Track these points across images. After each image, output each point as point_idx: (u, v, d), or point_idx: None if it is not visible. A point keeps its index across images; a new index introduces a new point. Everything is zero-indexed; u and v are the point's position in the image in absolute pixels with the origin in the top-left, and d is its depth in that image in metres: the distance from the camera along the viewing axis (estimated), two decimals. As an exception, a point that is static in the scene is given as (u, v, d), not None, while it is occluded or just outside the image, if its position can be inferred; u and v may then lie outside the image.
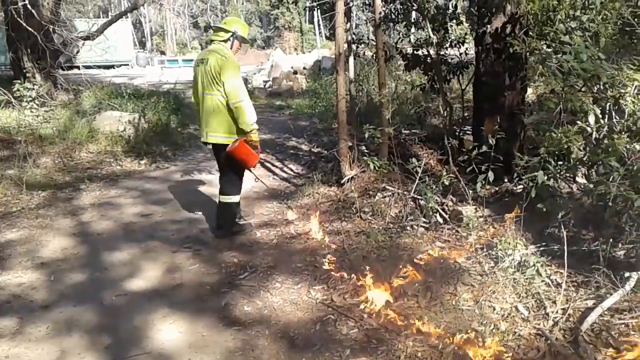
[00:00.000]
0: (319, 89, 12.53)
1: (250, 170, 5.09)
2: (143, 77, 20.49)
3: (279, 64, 19.01)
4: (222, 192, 4.87)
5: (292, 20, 55.42)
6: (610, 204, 3.81)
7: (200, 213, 5.67)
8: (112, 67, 25.62)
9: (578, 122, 4.00)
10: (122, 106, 9.44)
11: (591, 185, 4.25)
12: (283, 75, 17.78)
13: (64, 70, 12.21)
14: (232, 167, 4.77)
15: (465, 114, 6.81)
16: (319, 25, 52.97)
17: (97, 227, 5.21)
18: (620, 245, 3.84)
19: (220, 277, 4.16)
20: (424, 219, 4.64)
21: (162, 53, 53.48)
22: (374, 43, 6.20)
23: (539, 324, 3.18)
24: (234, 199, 4.90)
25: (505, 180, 5.24)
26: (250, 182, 6.50)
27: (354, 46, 7.01)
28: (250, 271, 4.22)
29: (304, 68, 20.42)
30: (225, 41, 4.70)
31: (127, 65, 29.58)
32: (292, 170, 7.49)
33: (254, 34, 67.16)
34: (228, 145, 4.62)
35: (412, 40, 6.95)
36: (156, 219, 5.50)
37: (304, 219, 5.21)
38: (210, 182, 6.81)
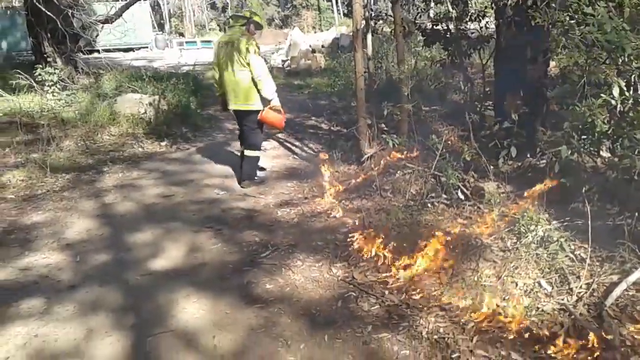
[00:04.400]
0: (338, 67, 12.42)
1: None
2: (162, 60, 20.50)
3: (297, 43, 18.81)
4: (247, 148, 5.86)
5: (310, -2, 54.88)
6: (635, 177, 3.75)
7: (221, 193, 5.71)
8: (131, 50, 25.64)
9: (602, 95, 3.91)
10: (142, 88, 9.46)
11: (616, 159, 4.17)
12: (301, 54, 17.62)
13: (84, 54, 12.28)
14: (259, 128, 5.82)
15: (487, 89, 6.70)
16: (336, 2, 52.37)
17: (120, 209, 5.28)
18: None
19: (241, 256, 4.20)
20: (444, 196, 4.60)
21: (181, 35, 53.41)
22: (392, 19, 6.11)
23: (562, 299, 3.16)
24: (257, 153, 5.91)
25: (528, 155, 5.15)
26: (270, 162, 6.56)
27: (371, 22, 6.91)
28: (272, 250, 4.24)
29: (322, 46, 20.21)
30: (243, 26, 5.60)
31: (146, 47, 29.60)
32: (311, 149, 7.48)
33: (271, 14, 66.74)
34: (250, 111, 5.64)
35: (431, 15, 6.83)
36: (177, 200, 5.55)
37: (324, 198, 5.21)
38: (230, 161, 6.85)
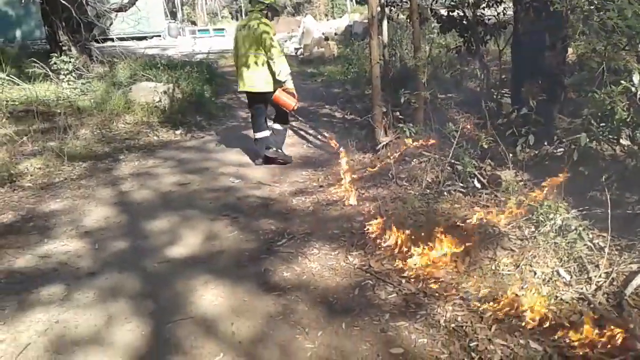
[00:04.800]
0: (351, 55, 12.32)
1: (292, 113, 6.45)
2: (175, 48, 20.48)
3: (310, 31, 18.71)
4: (275, 121, 6.24)
5: (323, -15, 54.55)
6: (655, 165, 3.71)
7: (237, 181, 5.73)
8: (144, 38, 25.64)
9: (622, 81, 3.85)
10: (157, 77, 9.48)
11: (635, 147, 4.12)
12: (314, 42, 17.53)
13: (98, 42, 12.33)
14: (276, 108, 6.11)
15: (503, 77, 6.63)
16: (349, -11, 52.00)
17: (136, 197, 5.32)
18: (665, 208, 3.73)
19: (258, 244, 4.22)
20: (461, 184, 4.58)
21: (193, 23, 53.37)
22: (408, 5, 6.05)
23: (581, 288, 3.14)
24: (263, 134, 6.15)
25: (546, 143, 5.10)
26: (290, 149, 6.56)
27: (387, 9, 6.85)
28: (288, 238, 4.25)
29: (335, 34, 20.11)
30: (261, 11, 5.85)
31: (159, 36, 29.58)
32: (325, 137, 7.47)
33: (284, 1, 66.44)
34: (265, 92, 5.89)
35: (445, 2, 6.73)
36: (193, 188, 5.58)
37: (339, 187, 5.20)
38: (245, 149, 6.86)
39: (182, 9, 56.73)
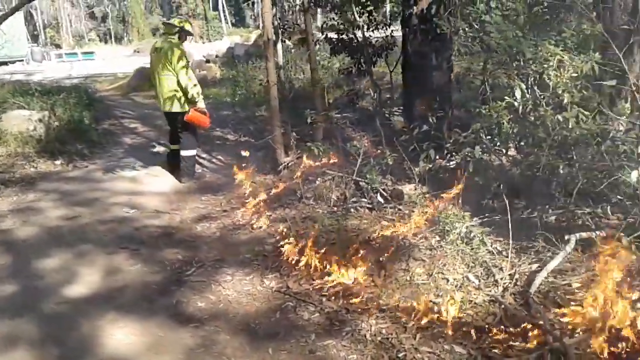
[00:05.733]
0: (237, 77, 12.28)
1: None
2: (42, 73, 19.17)
3: (190, 53, 18.42)
4: (183, 149, 6.31)
5: (196, 7, 54.11)
6: (539, 173, 4.07)
7: (132, 211, 5.42)
8: (4, 63, 23.68)
9: (506, 97, 4.20)
10: (30, 104, 8.77)
11: (519, 157, 4.51)
12: (195, 64, 17.26)
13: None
14: (188, 129, 6.23)
15: (394, 95, 6.95)
16: (224, 12, 52.06)
17: (20, 234, 4.82)
18: (550, 211, 4.09)
19: (165, 275, 4.01)
20: (365, 200, 4.71)
21: (58, 46, 50.38)
22: (299, 28, 6.18)
23: (490, 291, 3.34)
24: (193, 152, 6.39)
25: (437, 157, 5.41)
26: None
27: (280, 32, 6.93)
28: (197, 266, 4.10)
29: (217, 56, 19.96)
30: (174, 34, 6.06)
31: (22, 60, 27.52)
32: (221, 160, 7.34)
33: (156, 23, 64.79)
34: (181, 112, 6.07)
35: (337, 24, 6.93)
36: (84, 221, 5.18)
37: (245, 210, 5.12)
38: (135, 178, 6.56)
39: (44, 32, 53.29)
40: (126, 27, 61.77)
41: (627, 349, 2.55)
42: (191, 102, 6.04)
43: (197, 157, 6.75)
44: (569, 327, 2.79)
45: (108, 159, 7.76)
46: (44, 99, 9.11)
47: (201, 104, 6.12)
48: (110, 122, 10.40)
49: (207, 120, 6.29)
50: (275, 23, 6.34)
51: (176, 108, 6.11)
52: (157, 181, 6.55)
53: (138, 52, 44.19)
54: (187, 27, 6.24)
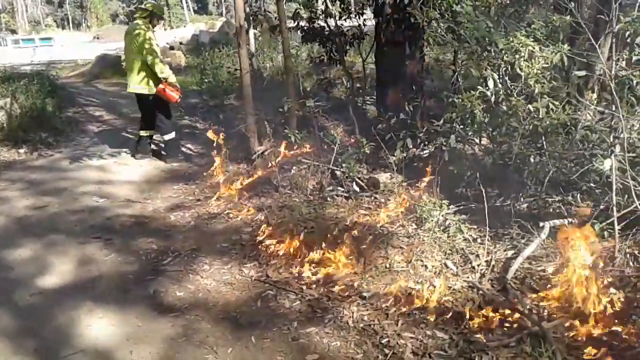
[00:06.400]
0: (203, 64, 12.06)
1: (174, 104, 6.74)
2: (-2, 59, 18.45)
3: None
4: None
5: (158, -7, 52.88)
6: (511, 162, 4.16)
7: (102, 200, 5.31)
8: (-44, 49, 22.70)
9: (479, 87, 4.26)
10: (-12, 91, 8.45)
11: (491, 146, 4.60)
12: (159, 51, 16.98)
13: None
14: (160, 108, 6.45)
15: (365, 85, 6.96)
16: (186, -2, 51.18)
17: (-14, 225, 4.69)
18: (522, 199, 4.19)
19: (141, 264, 3.96)
20: (342, 189, 4.73)
21: (13, 32, 48.63)
22: (271, 16, 6.12)
23: (468, 277, 3.41)
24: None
25: (411, 146, 5.46)
26: (153, 163, 6.29)
27: (251, 19, 6.87)
28: (173, 256, 4.05)
29: (181, 43, 19.61)
30: (145, 17, 6.23)
31: (-26, 46, 26.50)
32: (191, 149, 7.23)
33: (115, 9, 63.11)
34: (147, 94, 6.30)
35: (302, 13, 6.87)
36: (53, 210, 5.06)
37: (219, 199, 5.07)
38: (103, 167, 6.43)
39: (-1, 17, 51.42)
40: (84, 13, 60.10)
41: (602, 331, 2.66)
42: (160, 81, 6.23)
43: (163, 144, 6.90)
44: (546, 311, 2.87)
45: (74, 147, 7.57)
46: (4, 86, 8.77)
47: (172, 79, 6.31)
48: (75, 109, 10.12)
49: (178, 95, 6.41)
50: (247, 10, 6.27)
51: (145, 90, 6.28)
52: (126, 170, 6.43)
53: (98, 38, 43.05)
54: (158, 11, 6.40)
